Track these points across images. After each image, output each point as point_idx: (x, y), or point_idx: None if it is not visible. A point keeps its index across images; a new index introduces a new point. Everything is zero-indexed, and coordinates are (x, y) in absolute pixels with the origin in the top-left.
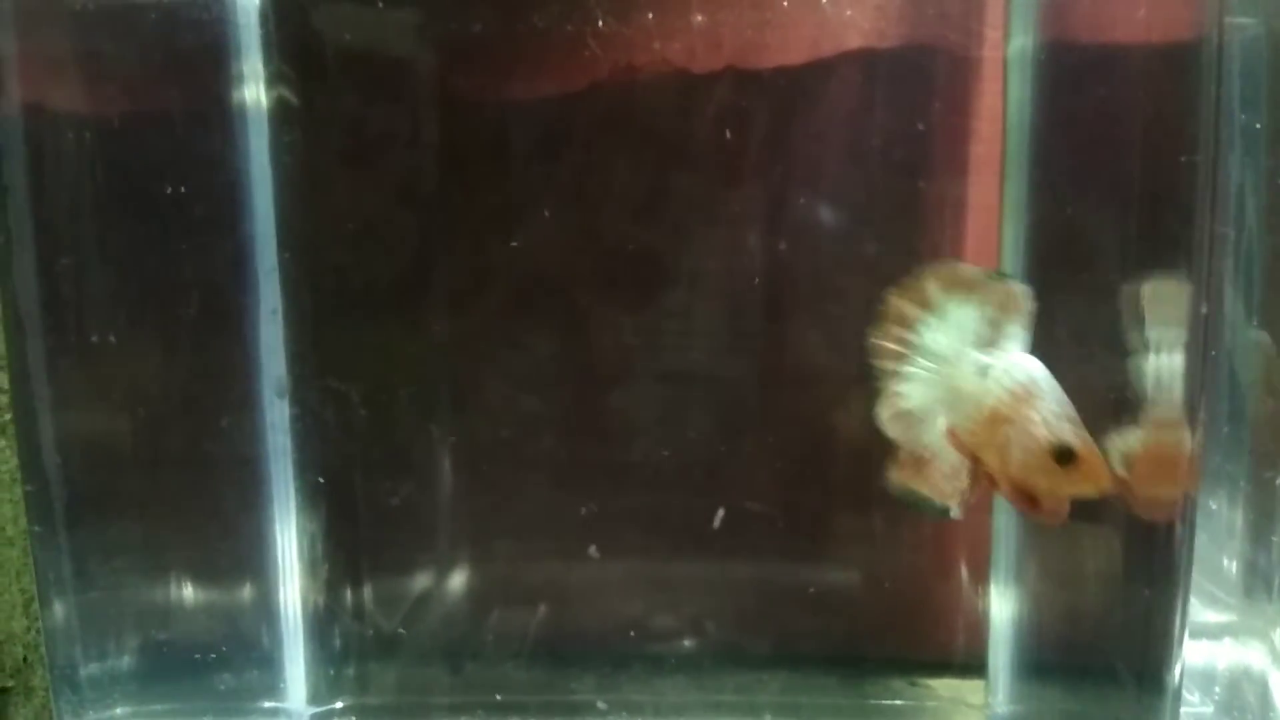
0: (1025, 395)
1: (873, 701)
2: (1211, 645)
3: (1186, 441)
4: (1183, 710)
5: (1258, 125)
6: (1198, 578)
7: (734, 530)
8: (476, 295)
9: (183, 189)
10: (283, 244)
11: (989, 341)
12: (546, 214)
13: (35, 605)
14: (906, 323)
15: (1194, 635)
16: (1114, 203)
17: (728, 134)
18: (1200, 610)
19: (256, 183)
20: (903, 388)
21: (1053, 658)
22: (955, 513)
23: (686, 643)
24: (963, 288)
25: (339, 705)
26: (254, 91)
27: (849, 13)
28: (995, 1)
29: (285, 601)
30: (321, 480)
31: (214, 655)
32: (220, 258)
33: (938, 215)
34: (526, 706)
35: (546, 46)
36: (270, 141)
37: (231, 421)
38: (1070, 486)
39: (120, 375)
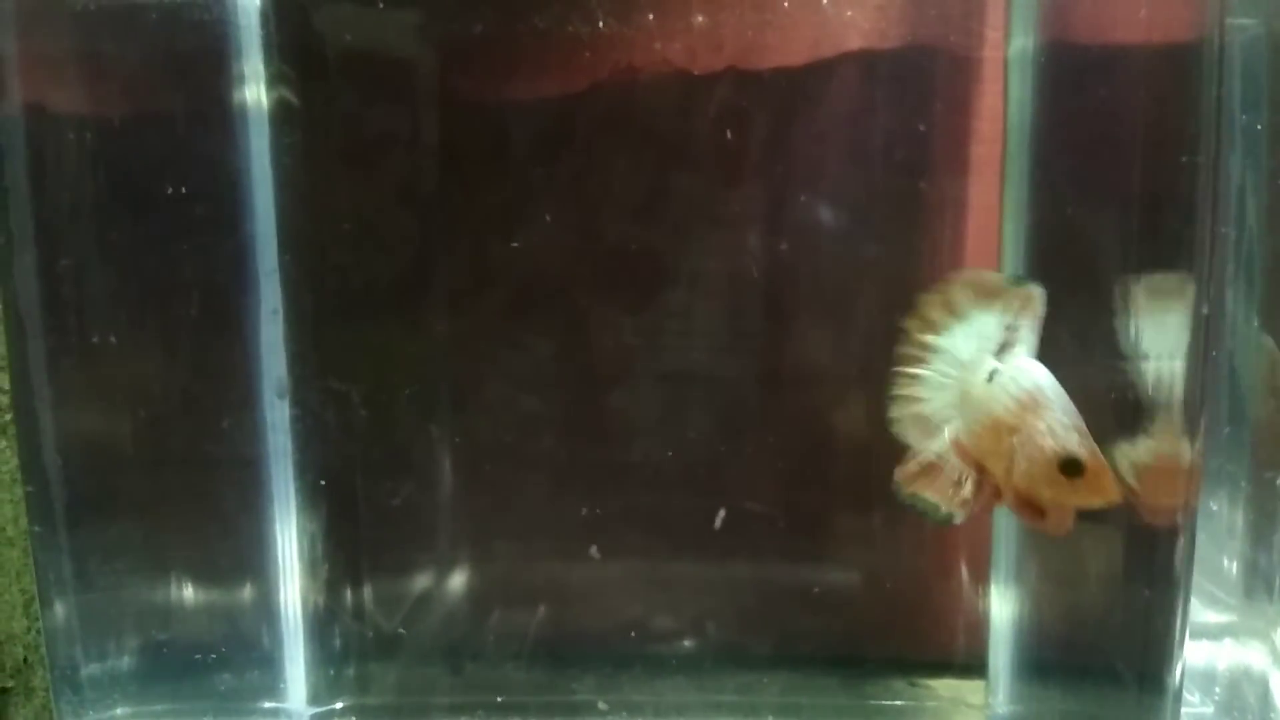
0: (1031, 404)
1: (873, 702)
2: (1212, 645)
3: (1186, 452)
4: (1183, 710)
5: (1259, 126)
6: (1198, 578)
7: (734, 530)
8: (477, 295)
9: (183, 189)
10: (283, 244)
11: (1003, 346)
12: (547, 214)
13: (35, 605)
14: (931, 328)
15: (1194, 635)
16: (1115, 203)
17: (728, 134)
18: (1201, 610)
19: (257, 183)
20: (919, 391)
21: (1053, 658)
22: (958, 520)
23: (687, 643)
24: (987, 294)
25: (339, 705)
26: (255, 92)
27: (850, 13)
28: (996, 2)
29: (285, 602)
30: (322, 481)
31: (214, 655)
32: (221, 258)
33: (938, 215)
34: (527, 707)
35: (547, 47)
36: (271, 142)
37: (232, 422)
38: (1076, 498)
39: (121, 376)
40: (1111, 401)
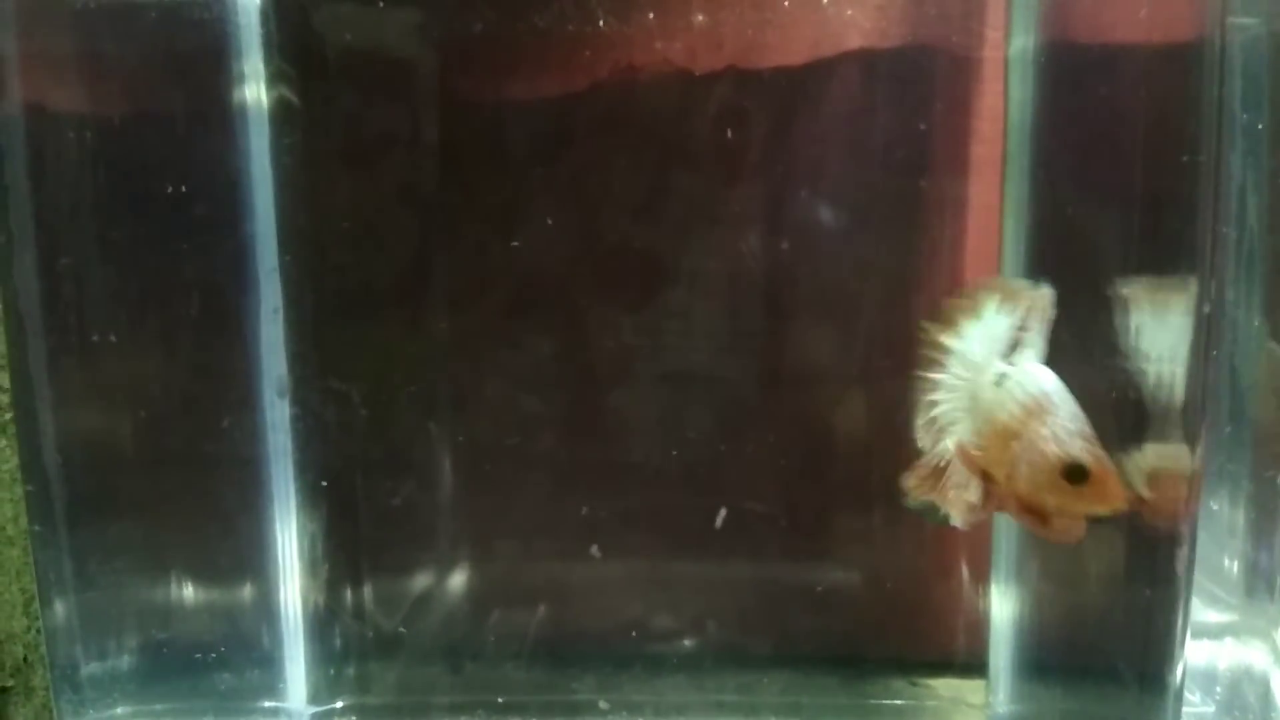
0: (1036, 410)
1: (873, 701)
2: (1213, 645)
3: (1187, 458)
4: (1184, 710)
5: (1259, 125)
6: (1199, 577)
7: (735, 530)
8: (478, 295)
9: (183, 188)
10: (283, 244)
11: (1013, 348)
12: (547, 214)
13: (35, 605)
14: (949, 331)
15: (1195, 635)
16: (1115, 202)
17: (729, 134)
18: (1201, 610)
19: (257, 182)
20: (931, 395)
21: (1054, 657)
22: (962, 526)
23: (688, 643)
24: (1009, 299)
25: (339, 705)
26: (255, 91)
27: (850, 12)
28: (996, 1)
29: (286, 601)
30: (322, 480)
31: (214, 655)
32: (221, 257)
33: (939, 215)
34: (527, 706)
35: (547, 46)
36: (271, 141)
37: (232, 421)
38: (1082, 505)
39: (121, 375)
40: (1112, 401)
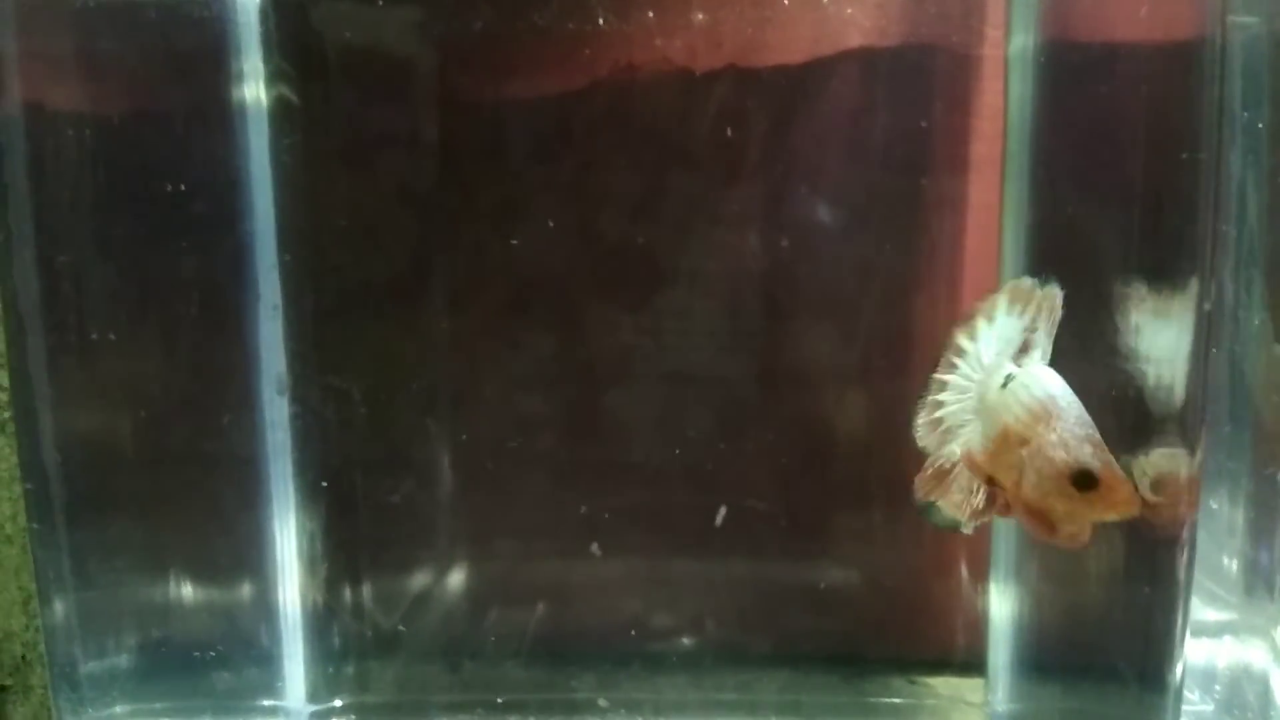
0: (1043, 414)
1: (872, 700)
2: (1212, 644)
3: (1187, 462)
4: (1183, 709)
5: (1259, 124)
6: (1198, 576)
7: (734, 528)
8: (477, 294)
9: (183, 187)
10: (283, 242)
11: (1022, 349)
12: (547, 212)
13: (34, 603)
14: (965, 333)
15: (1194, 634)
16: (1115, 201)
17: (729, 132)
18: (1201, 608)
19: (256, 180)
20: (941, 397)
21: (1053, 656)
22: (966, 529)
23: (687, 641)
24: (1019, 300)
25: (338, 703)
26: (254, 89)
27: (850, 11)
28: None
29: (284, 599)
30: (321, 479)
31: (213, 653)
32: (220, 255)
33: (938, 214)
34: (526, 705)
35: (547, 45)
36: (270, 139)
37: (231, 419)
38: (1091, 512)
39: (120, 373)
40: (1112, 400)
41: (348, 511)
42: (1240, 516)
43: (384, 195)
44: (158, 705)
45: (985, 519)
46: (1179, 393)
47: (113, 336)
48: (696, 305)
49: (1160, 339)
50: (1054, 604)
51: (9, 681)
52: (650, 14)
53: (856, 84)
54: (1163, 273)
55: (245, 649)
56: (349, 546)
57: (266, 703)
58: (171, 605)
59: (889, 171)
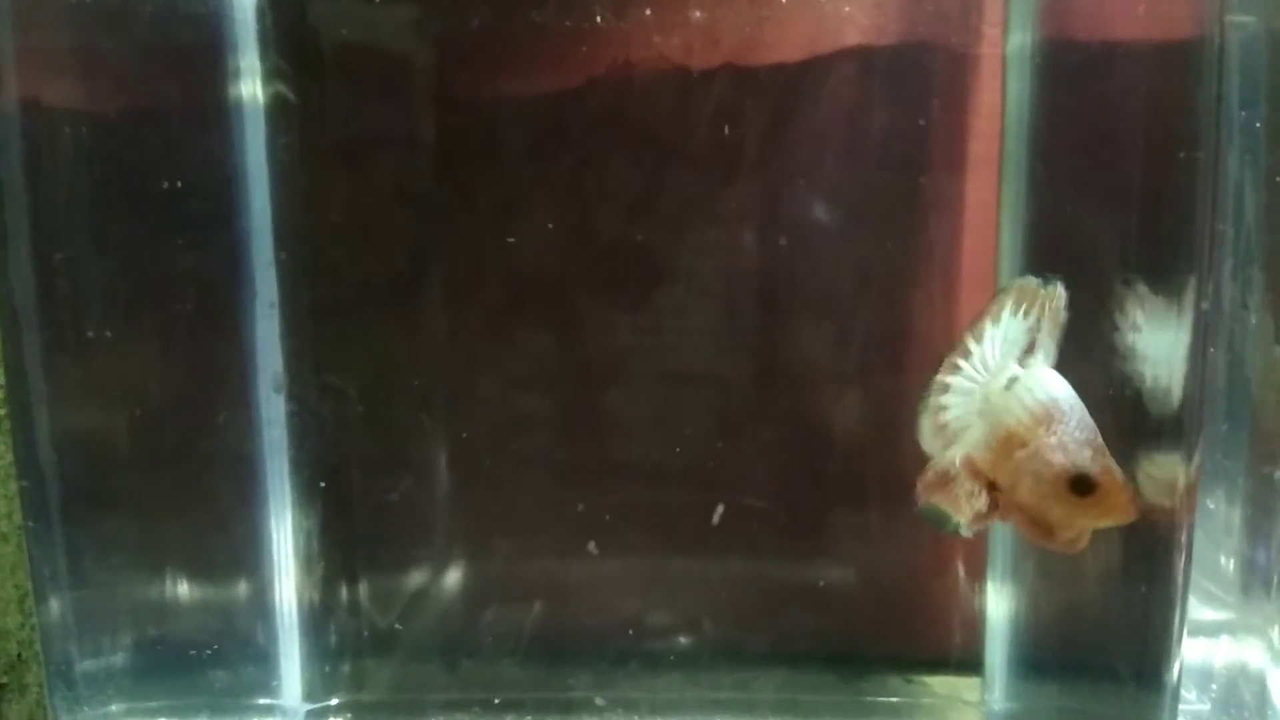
0: (1045, 417)
1: (869, 698)
2: (1209, 643)
3: (1186, 464)
4: (1180, 708)
5: (1257, 123)
6: (1195, 575)
7: (731, 527)
8: (474, 291)
9: (179, 184)
10: (279, 239)
11: (1027, 349)
12: (543, 211)
13: (30, 601)
14: (973, 335)
15: (1191, 633)
16: (1113, 200)
17: (726, 131)
18: (1197, 608)
19: (253, 178)
20: (945, 399)
21: (1050, 655)
22: (966, 532)
23: (684, 640)
24: (1024, 300)
25: (334, 702)
26: (251, 87)
27: (847, 9)
28: None
29: (281, 598)
30: (318, 477)
31: (209, 652)
32: (217, 253)
33: (936, 212)
34: (523, 703)
35: (544, 42)
36: (267, 137)
37: (228, 417)
38: (1088, 518)
39: (116, 371)
40: (1109, 399)
41: (344, 510)
42: (1237, 516)
43: (381, 193)
44: (153, 703)
45: (986, 523)
46: (1176, 392)
47: (109, 334)
48: (694, 304)
49: (1158, 338)
50: (1051, 603)
51: (5, 680)
52: (648, 12)
53: (854, 82)
54: (1160, 272)
55: (241, 647)
56: (345, 545)
57: (262, 701)
58: (167, 603)
59: (886, 170)
